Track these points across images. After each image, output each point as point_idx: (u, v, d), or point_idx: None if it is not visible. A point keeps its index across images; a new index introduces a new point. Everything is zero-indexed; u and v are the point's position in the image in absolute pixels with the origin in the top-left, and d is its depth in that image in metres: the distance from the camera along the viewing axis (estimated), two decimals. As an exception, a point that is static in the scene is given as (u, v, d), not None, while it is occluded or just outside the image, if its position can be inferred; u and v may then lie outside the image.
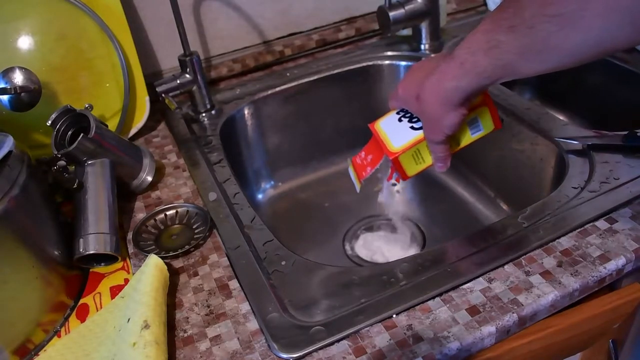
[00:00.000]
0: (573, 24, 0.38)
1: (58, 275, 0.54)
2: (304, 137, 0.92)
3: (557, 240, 0.52)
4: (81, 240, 0.56)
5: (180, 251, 0.57)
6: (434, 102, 0.49)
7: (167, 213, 0.63)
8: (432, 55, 0.52)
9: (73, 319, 0.53)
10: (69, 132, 0.63)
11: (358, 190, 0.62)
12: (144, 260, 0.53)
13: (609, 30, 0.37)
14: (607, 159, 0.60)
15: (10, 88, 0.66)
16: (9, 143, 0.51)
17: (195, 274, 0.54)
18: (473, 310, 0.46)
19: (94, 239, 0.56)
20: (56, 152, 0.59)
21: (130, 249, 0.59)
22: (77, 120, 0.63)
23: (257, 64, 0.93)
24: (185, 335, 0.48)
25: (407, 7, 0.85)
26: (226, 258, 0.56)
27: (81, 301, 0.55)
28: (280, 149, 0.91)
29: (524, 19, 0.40)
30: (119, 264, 0.58)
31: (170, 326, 0.49)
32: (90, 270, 0.58)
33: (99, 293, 0.55)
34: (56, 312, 0.53)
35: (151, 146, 0.77)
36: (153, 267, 0.52)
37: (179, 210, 0.63)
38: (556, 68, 0.42)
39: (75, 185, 0.59)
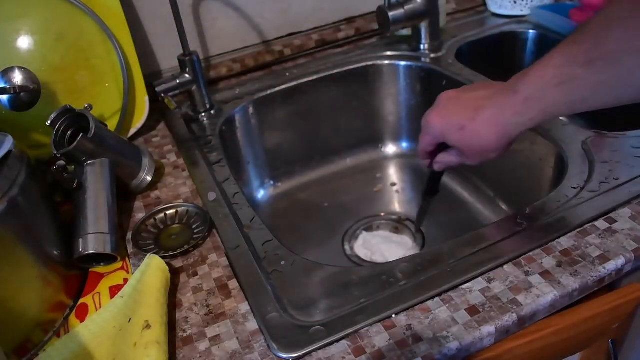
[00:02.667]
0: None
1: (57, 274, 0.54)
2: (304, 137, 0.92)
3: (556, 240, 0.52)
4: (80, 240, 0.56)
5: (179, 251, 0.57)
6: (489, 135, 0.47)
7: (167, 213, 0.63)
8: (468, 86, 0.51)
9: (72, 318, 0.53)
10: (69, 132, 0.63)
11: None
12: (143, 260, 0.53)
13: None
14: (607, 158, 0.60)
15: (9, 88, 0.66)
16: (9, 143, 0.51)
17: (195, 274, 0.54)
18: (472, 310, 0.46)
19: (94, 238, 0.56)
20: (56, 152, 0.59)
21: (130, 248, 0.59)
22: (76, 120, 0.63)
23: (256, 63, 0.93)
24: (185, 335, 0.48)
25: (406, 7, 0.85)
26: (225, 258, 0.56)
27: (80, 301, 0.55)
28: (279, 149, 0.91)
29: (605, 52, 0.38)
30: (119, 264, 0.58)
31: (170, 326, 0.49)
32: (90, 270, 0.58)
33: (99, 293, 0.55)
34: (55, 311, 0.53)
35: (151, 146, 0.77)
36: (154, 267, 0.52)
37: (178, 210, 0.63)
38: (626, 103, 0.41)
39: (74, 185, 0.59)
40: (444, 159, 0.56)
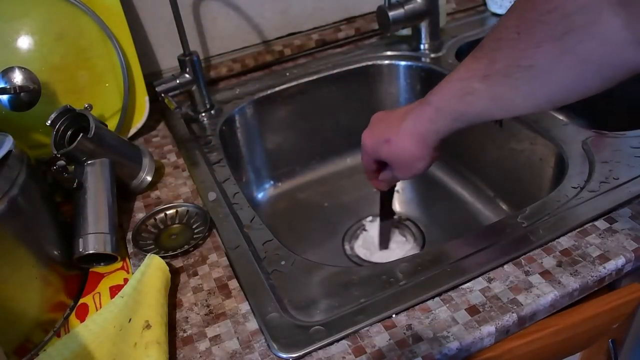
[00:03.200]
0: (546, 75, 0.40)
1: (57, 275, 0.54)
2: (304, 137, 0.92)
3: (556, 240, 0.52)
4: (80, 240, 0.56)
5: (179, 251, 0.57)
6: (410, 144, 0.51)
7: (167, 213, 0.63)
8: (396, 108, 0.56)
9: (73, 318, 0.53)
10: (69, 132, 0.63)
11: None
12: (144, 260, 0.53)
13: (579, 81, 0.39)
14: (607, 158, 0.60)
15: (9, 88, 0.66)
16: (9, 143, 0.51)
17: (195, 274, 0.54)
18: (472, 310, 0.46)
19: (94, 238, 0.56)
20: (56, 152, 0.59)
21: (130, 248, 0.59)
22: (76, 120, 0.63)
23: (256, 63, 0.93)
24: (185, 335, 0.48)
25: (406, 7, 0.85)
26: (226, 258, 0.56)
27: (81, 301, 0.55)
28: (279, 149, 0.91)
29: (498, 70, 0.42)
30: (119, 264, 0.58)
31: (170, 326, 0.49)
32: (90, 270, 0.58)
33: (99, 293, 0.55)
34: (56, 311, 0.53)
35: (151, 146, 0.77)
36: (155, 267, 0.52)
37: (178, 209, 0.63)
38: (528, 113, 0.46)
39: (74, 185, 0.59)
40: (385, 176, 0.60)
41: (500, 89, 0.43)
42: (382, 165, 0.59)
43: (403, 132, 0.51)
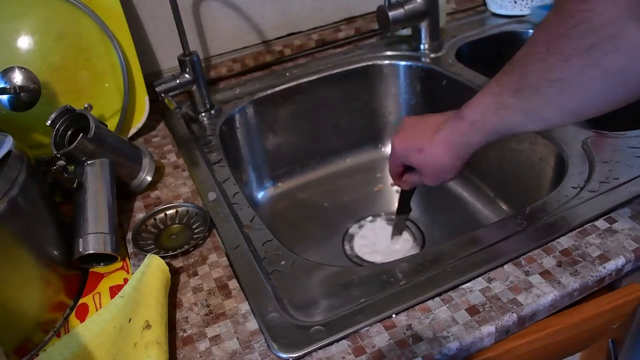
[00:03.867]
0: (573, 87, 0.41)
1: (57, 275, 0.54)
2: (304, 137, 0.92)
3: (556, 240, 0.52)
4: (80, 240, 0.56)
5: (179, 251, 0.57)
6: (443, 155, 0.53)
7: (167, 213, 0.63)
8: (428, 114, 0.58)
9: (72, 318, 0.53)
10: (69, 132, 0.63)
11: None
12: (144, 260, 0.53)
13: (605, 92, 0.41)
14: (607, 158, 0.60)
15: (9, 88, 0.66)
16: (9, 143, 0.51)
17: (195, 274, 0.54)
18: (472, 310, 0.46)
19: (94, 238, 0.56)
20: (56, 152, 0.59)
21: (130, 248, 0.59)
22: (76, 120, 0.63)
23: (256, 63, 0.93)
24: (185, 335, 0.48)
25: (406, 7, 0.85)
26: (226, 258, 0.56)
27: (81, 301, 0.55)
28: (280, 149, 0.91)
29: (529, 84, 0.44)
30: (119, 264, 0.58)
31: (170, 326, 0.49)
32: (90, 270, 0.58)
33: (99, 293, 0.55)
34: (56, 311, 0.53)
35: (151, 146, 0.77)
36: (154, 267, 0.52)
37: (178, 209, 0.63)
38: (558, 126, 0.49)
39: (74, 185, 0.59)
40: (409, 178, 0.62)
41: (531, 102, 0.44)
42: (408, 168, 0.61)
43: (437, 143, 0.53)
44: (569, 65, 0.40)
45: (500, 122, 0.47)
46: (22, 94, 0.67)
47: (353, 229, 0.83)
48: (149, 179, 0.67)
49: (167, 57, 0.88)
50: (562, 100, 0.43)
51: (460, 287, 0.48)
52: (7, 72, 0.67)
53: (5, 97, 0.67)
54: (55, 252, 0.54)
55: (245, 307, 0.50)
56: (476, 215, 0.83)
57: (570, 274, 0.48)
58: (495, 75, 0.48)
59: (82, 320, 0.52)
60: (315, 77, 0.88)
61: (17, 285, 0.49)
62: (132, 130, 0.78)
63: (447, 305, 0.47)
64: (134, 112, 0.78)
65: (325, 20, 0.98)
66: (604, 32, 0.37)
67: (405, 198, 0.72)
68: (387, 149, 0.97)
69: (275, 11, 0.93)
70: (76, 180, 0.59)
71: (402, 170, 0.61)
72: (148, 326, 0.46)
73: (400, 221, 0.77)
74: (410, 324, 0.46)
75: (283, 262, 0.54)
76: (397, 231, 0.79)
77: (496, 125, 0.48)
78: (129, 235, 0.61)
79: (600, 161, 0.60)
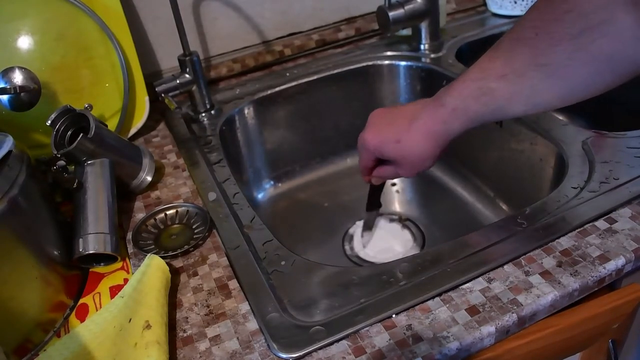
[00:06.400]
0: (561, 72, 0.41)
1: (57, 275, 0.54)
2: (304, 137, 0.92)
3: (556, 240, 0.52)
4: (80, 240, 0.56)
5: (179, 251, 0.57)
6: (422, 144, 0.52)
7: (167, 213, 0.63)
8: (396, 106, 0.57)
9: (73, 318, 0.53)
10: (69, 132, 0.63)
11: None
12: (144, 260, 0.53)
13: (592, 77, 0.41)
14: (607, 158, 0.60)
15: (10, 88, 0.66)
16: (9, 143, 0.51)
17: (195, 274, 0.54)
18: (472, 310, 0.46)
19: (94, 238, 0.56)
20: (56, 152, 0.59)
21: (130, 248, 0.59)
22: (76, 120, 0.63)
23: (256, 63, 0.93)
24: (185, 335, 0.48)
25: (406, 7, 0.85)
26: (226, 258, 0.56)
27: (81, 301, 0.55)
28: (280, 149, 0.91)
29: (514, 69, 0.43)
30: (119, 264, 0.58)
31: (170, 326, 0.49)
32: (90, 270, 0.58)
33: (99, 293, 0.55)
34: (56, 311, 0.53)
35: (151, 146, 0.77)
36: (155, 267, 0.52)
37: (178, 210, 0.63)
38: (544, 110, 0.47)
39: (74, 185, 0.59)
40: (382, 172, 0.60)
41: (516, 87, 0.44)
42: (380, 162, 0.59)
43: (414, 132, 0.52)
44: (559, 50, 0.40)
45: (483, 108, 0.47)
46: (22, 94, 0.67)
47: (353, 229, 0.83)
48: (149, 179, 0.67)
49: (167, 57, 0.88)
50: (549, 85, 0.43)
51: (460, 287, 0.48)
52: (7, 72, 0.67)
53: (5, 97, 0.67)
54: (55, 252, 0.54)
55: (245, 307, 0.50)
56: (476, 216, 0.83)
57: (571, 274, 0.48)
58: (470, 66, 0.48)
59: (82, 320, 0.52)
60: (315, 77, 0.88)
61: (17, 285, 0.49)
62: (132, 130, 0.78)
63: (447, 305, 0.47)
64: (134, 112, 0.78)
65: (326, 21, 0.98)
66: (595, 17, 0.38)
67: (376, 192, 0.71)
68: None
69: (276, 11, 0.93)
70: (76, 180, 0.59)
71: (374, 165, 0.60)
72: (148, 326, 0.46)
73: (370, 217, 0.77)
74: (410, 324, 0.46)
75: (283, 262, 0.54)
76: (367, 227, 0.78)
77: (478, 111, 0.47)
78: (129, 235, 0.61)
79: (601, 161, 0.60)
